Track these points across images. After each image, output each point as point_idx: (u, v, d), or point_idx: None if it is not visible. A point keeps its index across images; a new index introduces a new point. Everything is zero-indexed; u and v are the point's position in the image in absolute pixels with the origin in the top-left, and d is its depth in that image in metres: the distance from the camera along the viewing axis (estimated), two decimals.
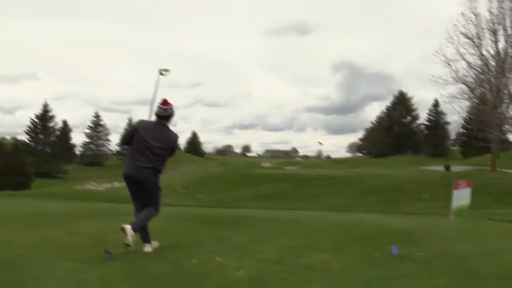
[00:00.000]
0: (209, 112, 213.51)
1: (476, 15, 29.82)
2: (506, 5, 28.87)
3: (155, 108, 4.74)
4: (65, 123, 63.88)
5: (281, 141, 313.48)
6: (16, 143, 41.86)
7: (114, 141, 70.64)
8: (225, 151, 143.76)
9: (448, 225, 7.84)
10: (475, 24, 29.93)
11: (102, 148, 68.78)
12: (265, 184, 35.17)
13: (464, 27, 30.14)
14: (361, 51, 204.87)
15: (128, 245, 4.19)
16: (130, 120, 66.29)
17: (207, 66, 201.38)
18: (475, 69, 30.95)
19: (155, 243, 4.69)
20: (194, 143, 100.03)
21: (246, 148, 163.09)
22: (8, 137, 44.53)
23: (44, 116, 56.36)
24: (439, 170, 39.71)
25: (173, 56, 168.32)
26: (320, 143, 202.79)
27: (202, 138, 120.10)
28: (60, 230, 5.79)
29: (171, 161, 5.00)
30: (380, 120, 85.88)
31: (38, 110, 57.02)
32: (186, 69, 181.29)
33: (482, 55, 30.40)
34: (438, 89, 33.50)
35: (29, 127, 55.58)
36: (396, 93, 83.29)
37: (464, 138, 60.74)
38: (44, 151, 53.52)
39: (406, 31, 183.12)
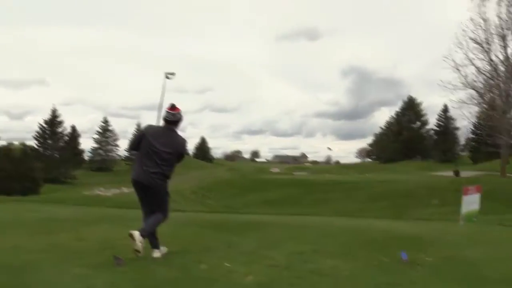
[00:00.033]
0: (218, 117, 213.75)
1: (485, 20, 29.85)
2: None
3: (163, 113, 4.75)
4: (73, 128, 64.09)
5: (290, 146, 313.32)
6: (25, 148, 42.26)
7: (122, 146, 71.30)
8: (234, 157, 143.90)
9: (457, 231, 7.76)
10: (484, 29, 29.96)
11: (110, 154, 69.24)
12: (274, 190, 35.05)
13: (473, 32, 30.16)
14: (370, 56, 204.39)
15: (138, 251, 4.18)
16: (138, 125, 67.05)
17: (216, 71, 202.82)
18: (484, 74, 30.87)
19: (163, 249, 4.69)
20: (202, 148, 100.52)
21: (255, 154, 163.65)
22: (16, 142, 45.22)
23: (53, 122, 56.70)
24: (448, 175, 39.37)
25: (183, 61, 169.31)
26: (329, 149, 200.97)
27: (210, 143, 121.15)
28: (68, 235, 5.81)
29: (180, 166, 5.01)
30: (389, 125, 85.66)
31: (47, 116, 57.46)
32: (195, 74, 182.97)
33: (491, 60, 30.33)
34: (447, 94, 33.12)
35: (37, 132, 55.90)
36: (405, 98, 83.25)
37: (473, 143, 60.14)
38: (53, 157, 53.75)
39: (415, 36, 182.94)
